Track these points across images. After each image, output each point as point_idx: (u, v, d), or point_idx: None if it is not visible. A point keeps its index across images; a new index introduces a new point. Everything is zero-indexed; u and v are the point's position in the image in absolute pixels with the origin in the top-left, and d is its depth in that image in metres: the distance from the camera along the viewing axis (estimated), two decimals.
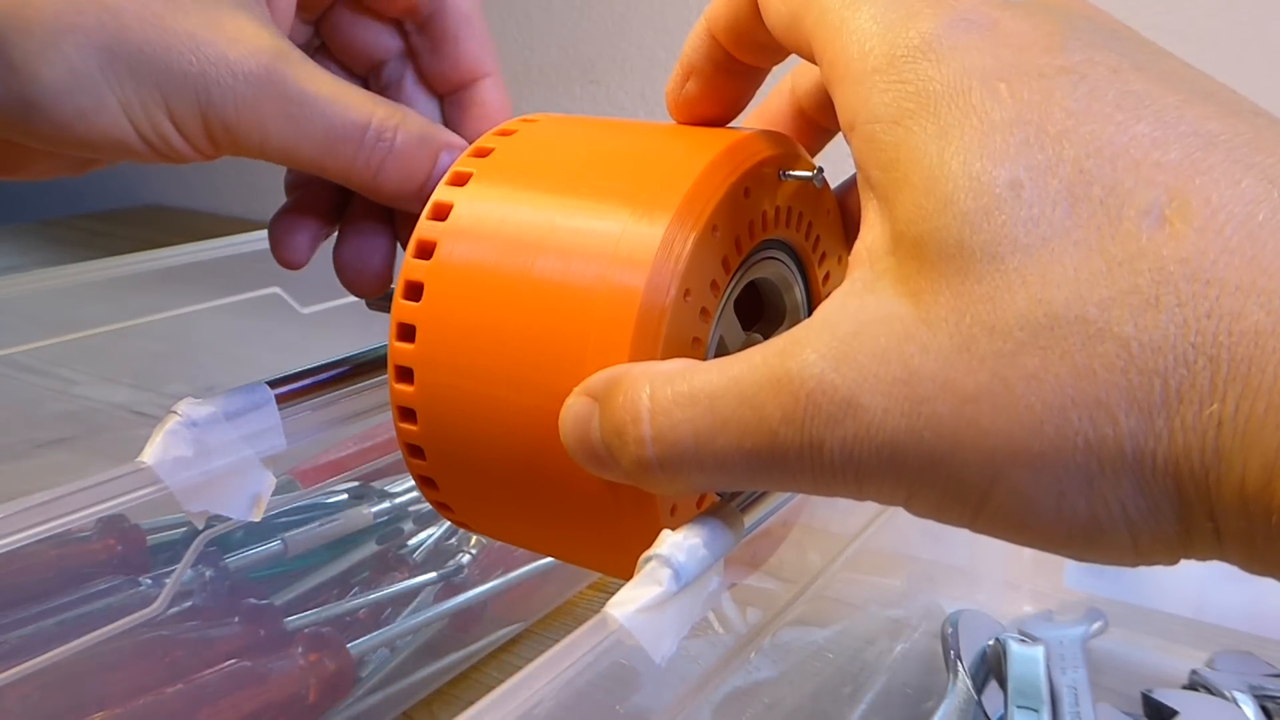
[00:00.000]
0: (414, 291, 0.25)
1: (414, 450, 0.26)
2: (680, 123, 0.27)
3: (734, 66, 0.25)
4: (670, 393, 0.20)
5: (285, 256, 0.32)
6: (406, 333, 0.25)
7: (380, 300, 0.32)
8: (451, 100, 0.33)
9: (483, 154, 0.26)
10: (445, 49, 0.31)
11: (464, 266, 0.24)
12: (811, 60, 0.22)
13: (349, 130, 0.27)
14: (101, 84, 0.25)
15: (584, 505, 0.24)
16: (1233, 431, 0.15)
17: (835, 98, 0.20)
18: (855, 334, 0.18)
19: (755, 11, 0.23)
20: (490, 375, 0.24)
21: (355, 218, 0.32)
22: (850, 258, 0.20)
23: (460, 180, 0.26)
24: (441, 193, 0.26)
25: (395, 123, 0.28)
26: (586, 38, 1.09)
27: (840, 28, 0.20)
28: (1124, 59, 0.18)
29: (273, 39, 0.26)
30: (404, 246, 0.32)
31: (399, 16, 0.31)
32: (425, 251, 0.25)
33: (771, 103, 0.28)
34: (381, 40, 0.32)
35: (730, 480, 0.20)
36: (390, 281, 0.32)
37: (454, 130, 0.31)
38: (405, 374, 0.25)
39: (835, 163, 0.26)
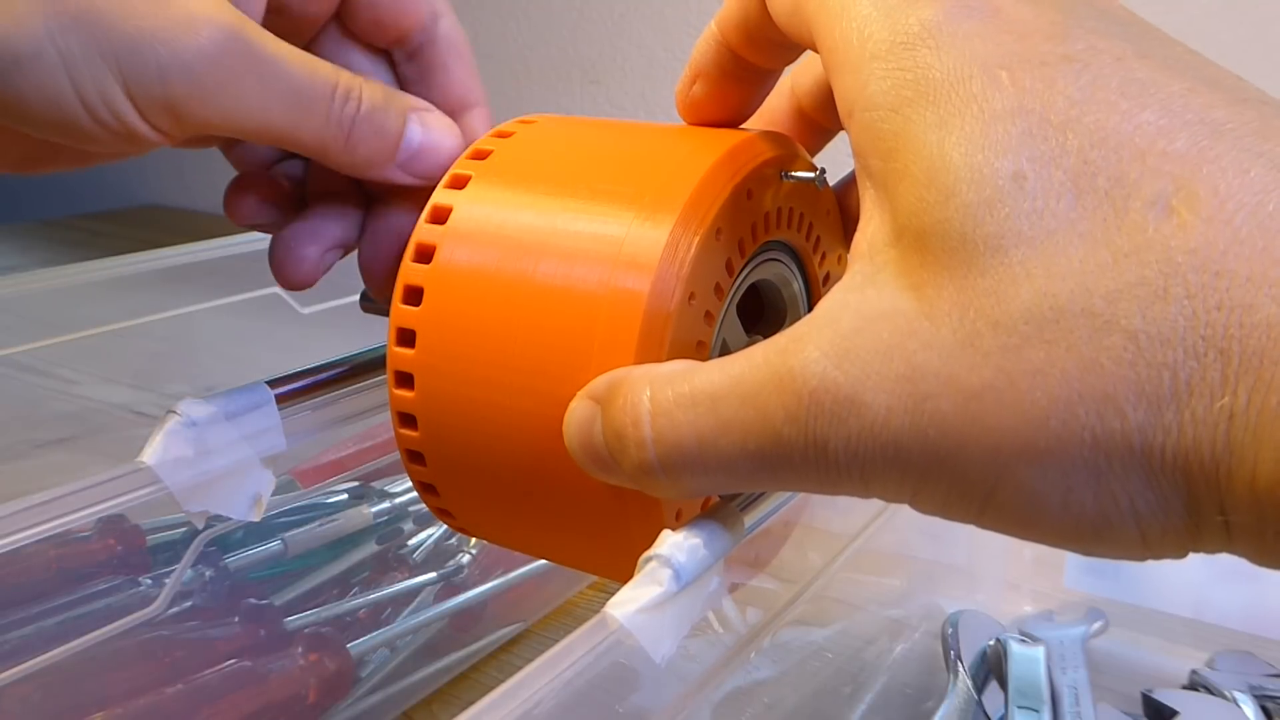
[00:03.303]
0: (414, 296, 0.25)
1: (414, 456, 0.26)
2: (688, 124, 0.27)
3: (741, 71, 0.25)
4: (671, 394, 0.20)
5: (289, 274, 0.30)
6: (406, 338, 0.25)
7: (374, 303, 0.32)
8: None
9: (481, 156, 0.26)
10: (435, 79, 0.31)
11: (465, 271, 0.24)
12: (814, 48, 0.21)
13: (318, 90, 0.26)
14: (40, 31, 0.22)
15: (588, 511, 0.24)
16: (1244, 425, 0.15)
17: (834, 85, 0.20)
18: (857, 330, 0.18)
19: (764, 8, 0.23)
20: (492, 381, 0.24)
21: (316, 197, 0.31)
22: (850, 250, 0.20)
23: (459, 183, 0.26)
24: (440, 196, 0.26)
25: (359, 83, 0.27)
26: (586, 38, 1.09)
27: (841, 14, 0.20)
28: (1128, 46, 0.18)
29: (234, 11, 0.25)
30: (359, 252, 0.31)
31: (389, 47, 0.31)
32: (425, 255, 0.25)
33: (771, 102, 0.27)
34: (368, 70, 0.31)
35: (734, 481, 0.20)
36: (319, 278, 0.31)
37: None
38: (405, 379, 0.25)
39: (836, 162, 0.26)
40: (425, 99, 0.31)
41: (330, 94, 0.26)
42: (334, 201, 0.31)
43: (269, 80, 0.25)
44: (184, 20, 0.23)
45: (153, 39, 0.23)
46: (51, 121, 0.24)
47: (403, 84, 0.31)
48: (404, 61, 0.31)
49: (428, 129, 0.29)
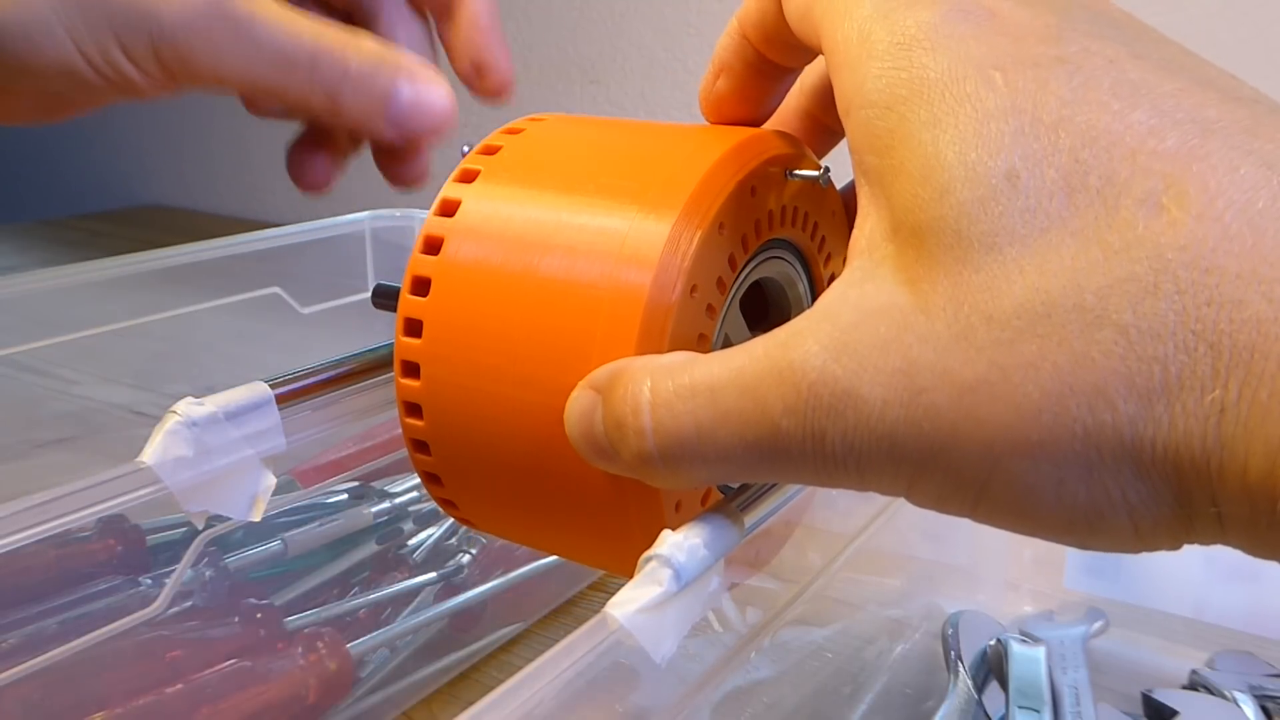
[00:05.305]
0: (421, 287, 0.25)
1: (419, 446, 0.26)
2: (711, 121, 0.27)
3: (764, 67, 0.25)
4: (671, 385, 0.20)
5: (304, 180, 0.32)
6: (413, 328, 0.25)
7: (384, 298, 0.32)
8: (442, 18, 0.32)
9: (491, 152, 0.27)
10: None
11: (471, 263, 0.25)
12: (820, 51, 0.22)
13: (300, 53, 0.27)
14: (45, 9, 0.25)
15: (589, 501, 0.24)
16: (1235, 418, 0.15)
17: (835, 84, 0.20)
18: (856, 324, 0.18)
19: (780, 10, 0.23)
20: (497, 371, 0.24)
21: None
22: (849, 247, 0.20)
23: (468, 177, 0.26)
24: (449, 190, 0.26)
25: (345, 44, 0.28)
26: (586, 38, 1.09)
27: (844, 15, 0.20)
28: (1123, 48, 0.18)
29: None
30: (378, 160, 0.32)
31: None
32: (433, 247, 0.25)
33: (781, 104, 0.28)
34: None
35: (733, 472, 0.20)
36: (335, 181, 0.33)
37: (446, 48, 0.31)
38: (411, 369, 0.25)
39: (841, 163, 0.26)
40: None
41: (312, 58, 0.27)
42: None
43: (250, 44, 0.27)
44: None
45: (142, 9, 0.25)
46: (64, 81, 0.26)
47: None
48: None
49: (417, 88, 0.29)
